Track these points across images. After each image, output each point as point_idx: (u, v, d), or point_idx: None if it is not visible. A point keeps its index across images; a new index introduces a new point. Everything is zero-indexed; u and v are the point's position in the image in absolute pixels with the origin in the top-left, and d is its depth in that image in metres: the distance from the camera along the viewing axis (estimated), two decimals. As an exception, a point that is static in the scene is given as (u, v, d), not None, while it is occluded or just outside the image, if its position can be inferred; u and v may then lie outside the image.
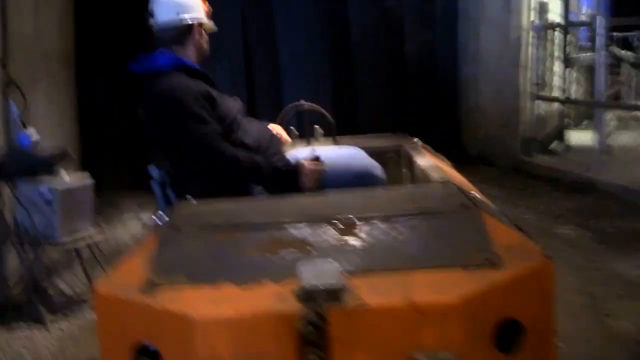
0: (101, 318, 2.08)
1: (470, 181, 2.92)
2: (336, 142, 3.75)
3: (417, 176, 3.35)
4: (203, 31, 3.17)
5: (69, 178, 4.04)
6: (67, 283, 4.82)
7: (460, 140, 9.05)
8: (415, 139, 4.00)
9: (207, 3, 3.21)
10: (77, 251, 4.29)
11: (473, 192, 2.53)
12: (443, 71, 9.09)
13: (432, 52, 9.06)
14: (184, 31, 3.05)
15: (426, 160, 3.40)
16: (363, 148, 3.43)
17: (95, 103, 7.71)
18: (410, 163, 3.62)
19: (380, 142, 4.12)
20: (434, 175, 2.96)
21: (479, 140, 8.79)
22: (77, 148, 7.35)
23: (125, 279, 2.09)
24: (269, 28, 8.45)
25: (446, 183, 2.67)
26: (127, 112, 6.67)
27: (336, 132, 3.76)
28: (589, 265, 4.82)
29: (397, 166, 3.84)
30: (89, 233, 4.16)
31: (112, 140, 7.76)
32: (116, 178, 7.59)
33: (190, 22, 3.07)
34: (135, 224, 6.53)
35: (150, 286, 2.04)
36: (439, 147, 3.89)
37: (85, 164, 7.31)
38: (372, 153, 3.43)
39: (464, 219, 2.16)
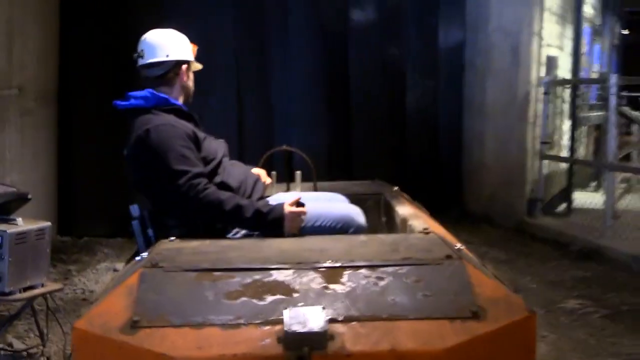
0: (80, 356, 2.26)
1: (471, 242, 3.13)
2: (316, 187, 4.02)
3: (397, 224, 3.60)
4: (190, 71, 3.41)
5: (22, 222, 3.95)
6: (19, 336, 4.70)
7: (462, 197, 9.12)
8: (395, 188, 4.28)
9: (194, 43, 3.46)
10: (30, 302, 4.19)
11: (456, 243, 2.75)
12: (446, 124, 9.17)
13: (435, 102, 9.13)
14: (170, 71, 3.30)
15: (406, 209, 3.66)
16: (343, 194, 3.69)
17: (76, 143, 7.87)
18: (390, 210, 3.89)
19: (360, 188, 4.44)
20: (415, 223, 3.19)
21: (481, 198, 8.87)
22: (53, 189, 7.61)
23: (105, 317, 2.28)
24: (263, 69, 8.55)
25: (429, 233, 2.89)
26: (110, 153, 6.74)
27: (316, 177, 4.04)
28: (596, 343, 4.79)
29: (377, 213, 4.10)
30: (43, 283, 4.04)
31: (93, 182, 7.82)
32: (95, 222, 7.72)
33: (177, 63, 3.31)
34: (109, 275, 6.30)
35: (132, 326, 2.23)
36: (438, 203, 4.05)
37: (62, 207, 7.70)
38: (352, 199, 3.71)
39: (448, 270, 2.38)
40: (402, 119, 9.03)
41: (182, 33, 3.43)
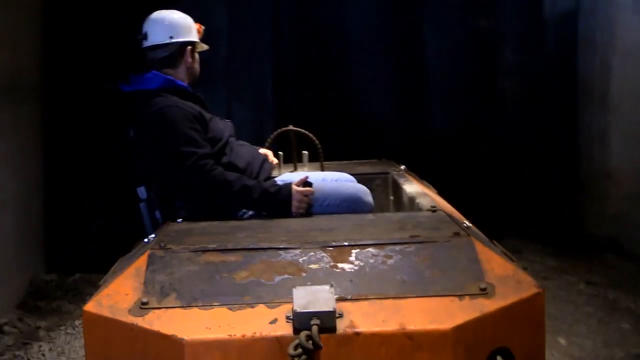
0: (89, 338, 2.26)
1: (593, 282, 2.96)
2: (323, 167, 4.00)
3: (404, 203, 3.59)
4: (195, 52, 3.38)
5: None
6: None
7: (579, 217, 6.76)
8: (402, 166, 4.25)
9: (199, 23, 3.43)
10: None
11: (464, 220, 2.73)
12: (555, 119, 6.96)
13: (539, 91, 6.92)
14: (176, 53, 3.27)
15: (413, 187, 3.64)
16: (350, 174, 3.67)
17: (68, 148, 6.19)
18: (398, 189, 3.87)
19: (367, 168, 4.42)
20: (422, 201, 3.17)
21: (606, 218, 6.48)
22: (37, 210, 5.97)
23: (114, 299, 2.28)
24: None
25: (436, 211, 2.88)
26: (113, 160, 5.22)
27: (323, 157, 4.02)
28: None
29: (384, 192, 4.09)
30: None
31: (91, 200, 6.16)
32: (92, 253, 5.64)
33: (181, 44, 3.28)
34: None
35: (140, 307, 2.23)
36: (547, 223, 3.57)
37: (49, 233, 6.09)
38: (360, 179, 3.71)
39: (457, 247, 2.37)
40: (496, 114, 6.98)
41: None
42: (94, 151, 6.07)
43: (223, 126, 3.30)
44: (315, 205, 3.07)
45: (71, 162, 6.11)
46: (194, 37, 3.36)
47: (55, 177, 6.10)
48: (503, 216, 6.61)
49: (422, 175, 3.82)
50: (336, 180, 3.51)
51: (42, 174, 6.04)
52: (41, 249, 6.06)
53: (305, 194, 3.03)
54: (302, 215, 3.00)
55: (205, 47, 3.46)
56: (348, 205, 3.12)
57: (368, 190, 3.25)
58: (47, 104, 6.06)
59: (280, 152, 3.97)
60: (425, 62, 7.03)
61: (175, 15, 3.34)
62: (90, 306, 2.28)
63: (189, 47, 3.32)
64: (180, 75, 3.32)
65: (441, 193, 3.55)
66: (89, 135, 6.11)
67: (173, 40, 3.27)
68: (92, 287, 4.82)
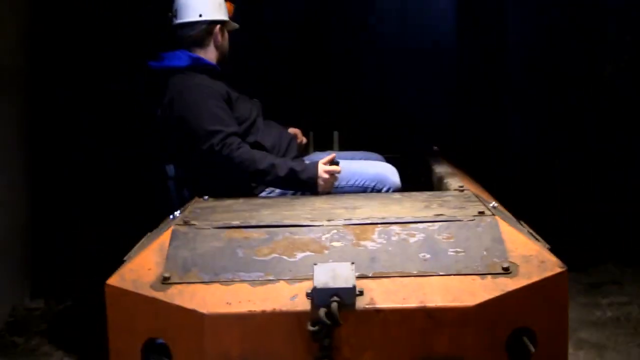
0: (112, 312, 2.28)
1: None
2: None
3: (434, 183, 3.57)
4: (225, 31, 3.37)
5: None
6: None
7: None
8: (435, 147, 4.21)
9: (230, 2, 3.42)
10: None
11: (491, 200, 2.69)
12: None
13: None
14: (205, 32, 3.27)
15: (443, 168, 3.63)
16: (381, 153, 3.65)
17: (60, 149, 5.10)
18: (427, 170, 3.86)
19: (399, 148, 4.36)
20: (451, 181, 3.15)
21: None
22: (22, 223, 4.68)
23: (137, 273, 2.30)
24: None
25: (464, 191, 2.84)
26: (113, 162, 5.06)
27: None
28: None
29: (414, 172, 4.03)
30: None
31: (89, 211, 5.21)
32: (86, 275, 4.10)
33: (210, 23, 3.27)
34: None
35: (162, 281, 2.24)
36: None
37: (37, 251, 4.80)
38: (389, 159, 3.69)
39: (481, 226, 2.34)
40: (599, 110, 5.58)
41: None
42: (87, 155, 5.21)
43: (251, 105, 3.30)
44: (341, 184, 3.06)
45: (63, 165, 5.10)
46: (224, 15, 3.36)
47: (44, 182, 4.91)
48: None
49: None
50: (364, 160, 3.49)
51: (28, 178, 4.75)
52: (27, 268, 4.76)
53: (332, 172, 3.02)
54: (328, 194, 2.99)
55: (235, 25, 3.46)
56: (374, 185, 3.11)
57: (395, 170, 3.23)
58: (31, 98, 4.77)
59: (311, 132, 3.96)
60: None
61: None
62: (114, 280, 2.30)
63: (219, 26, 3.32)
64: (209, 54, 3.32)
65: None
66: (79, 136, 5.19)
67: (202, 19, 3.27)
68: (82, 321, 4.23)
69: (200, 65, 3.21)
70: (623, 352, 3.60)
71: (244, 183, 3.07)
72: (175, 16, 3.30)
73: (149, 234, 2.70)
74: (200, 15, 3.27)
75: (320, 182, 2.99)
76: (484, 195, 2.91)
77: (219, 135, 2.99)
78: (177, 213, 2.71)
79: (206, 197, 2.93)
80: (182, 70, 3.18)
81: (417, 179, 3.95)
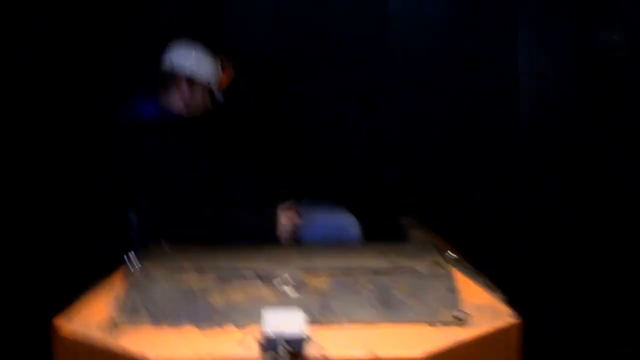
0: (58, 354, 2.23)
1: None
2: None
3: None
4: (197, 88, 3.32)
5: None
6: None
7: None
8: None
9: (229, 73, 3.40)
10: None
11: (448, 250, 2.68)
12: None
13: None
14: (168, 78, 3.27)
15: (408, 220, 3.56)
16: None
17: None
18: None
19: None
20: (414, 233, 3.13)
21: None
22: None
23: (86, 317, 2.26)
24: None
25: (424, 242, 2.83)
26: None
27: None
28: None
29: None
30: None
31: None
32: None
33: (174, 71, 3.26)
34: None
35: (112, 326, 2.20)
36: None
37: None
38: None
39: (435, 276, 2.32)
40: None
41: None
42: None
43: (214, 157, 3.28)
44: (302, 232, 3.05)
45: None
46: (199, 72, 3.31)
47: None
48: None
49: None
50: (327, 210, 3.48)
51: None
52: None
53: (291, 221, 3.01)
54: (287, 242, 2.98)
55: (218, 98, 3.41)
56: (335, 234, 3.10)
57: (356, 221, 3.22)
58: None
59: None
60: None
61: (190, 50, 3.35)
62: (61, 322, 2.26)
63: (185, 79, 3.29)
64: (172, 102, 3.29)
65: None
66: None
67: (169, 65, 3.27)
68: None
69: (164, 116, 3.20)
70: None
71: (202, 237, 3.05)
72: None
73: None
74: (169, 65, 3.28)
75: (281, 229, 2.98)
76: (444, 247, 2.89)
77: (175, 193, 2.99)
78: (132, 256, 2.68)
79: (164, 242, 2.91)
80: (147, 122, 3.17)
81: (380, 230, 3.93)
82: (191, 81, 3.31)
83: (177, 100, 3.28)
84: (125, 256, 2.67)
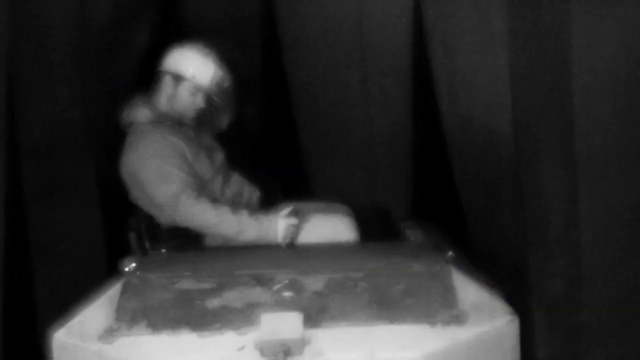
0: (57, 365, 2.23)
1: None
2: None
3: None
4: (185, 86, 3.30)
5: None
6: None
7: None
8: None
9: (225, 77, 3.36)
10: None
11: (447, 249, 2.68)
12: None
13: None
14: (157, 78, 3.25)
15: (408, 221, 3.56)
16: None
17: None
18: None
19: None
20: (411, 232, 3.12)
21: None
22: None
23: (85, 326, 2.26)
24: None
25: (421, 241, 2.83)
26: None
27: None
28: None
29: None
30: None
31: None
32: None
33: (169, 75, 3.25)
34: None
35: (110, 334, 2.20)
36: None
37: None
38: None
39: (433, 276, 2.32)
40: None
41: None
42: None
43: (211, 157, 3.27)
44: (299, 235, 3.04)
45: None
46: (192, 73, 3.29)
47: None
48: None
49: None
50: (325, 211, 3.46)
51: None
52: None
53: (290, 224, 3.00)
54: (286, 244, 2.97)
55: (200, 102, 3.35)
56: (333, 235, 3.08)
57: (353, 221, 3.21)
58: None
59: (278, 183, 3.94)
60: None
61: (186, 50, 3.33)
62: (61, 333, 2.26)
63: (172, 79, 3.27)
64: (162, 102, 3.26)
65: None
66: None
67: (163, 70, 3.26)
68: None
69: (158, 117, 3.20)
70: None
71: (201, 237, 3.05)
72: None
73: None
74: (163, 66, 3.26)
75: (280, 233, 2.98)
76: (441, 244, 2.89)
77: (175, 191, 2.98)
78: (131, 265, 2.68)
79: (163, 250, 2.91)
80: (143, 123, 3.17)
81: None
82: (178, 79, 3.27)
83: (165, 100, 3.26)
84: (122, 263, 2.68)
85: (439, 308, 2.20)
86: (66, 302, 2.43)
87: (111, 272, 2.80)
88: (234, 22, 4.35)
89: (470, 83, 3.16)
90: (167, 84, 3.24)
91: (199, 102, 3.28)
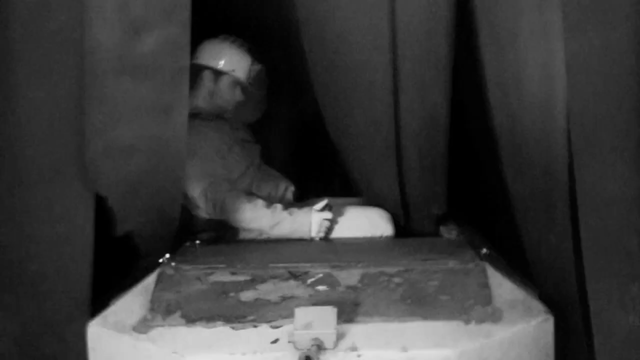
0: (94, 355, 2.25)
1: None
2: None
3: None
4: (225, 81, 3.31)
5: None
6: None
7: None
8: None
9: (259, 69, 3.35)
10: None
11: (483, 246, 2.66)
12: None
13: None
14: (193, 74, 3.24)
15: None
16: None
17: None
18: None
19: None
20: (447, 228, 3.10)
21: None
22: None
23: (120, 316, 2.28)
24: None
25: (457, 237, 2.81)
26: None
27: None
28: None
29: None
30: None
31: None
32: None
33: (202, 67, 3.25)
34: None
35: (144, 324, 2.22)
36: None
37: None
38: None
39: (467, 272, 2.31)
40: None
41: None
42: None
43: (246, 152, 3.27)
44: (334, 229, 3.04)
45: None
46: (224, 63, 3.30)
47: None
48: None
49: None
50: (360, 206, 3.45)
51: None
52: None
53: (325, 218, 3.00)
54: (320, 239, 2.97)
55: (239, 95, 3.36)
56: (367, 230, 3.08)
57: (390, 216, 3.20)
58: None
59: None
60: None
61: (216, 44, 3.33)
62: (96, 322, 2.29)
63: (210, 72, 3.27)
64: (199, 96, 3.26)
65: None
66: None
67: (196, 62, 3.25)
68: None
69: (194, 112, 3.19)
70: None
71: (237, 229, 3.06)
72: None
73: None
74: (196, 58, 3.26)
75: (314, 227, 2.98)
76: (477, 241, 2.87)
77: (208, 184, 3.00)
78: (166, 256, 2.70)
79: (198, 241, 2.92)
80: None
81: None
82: (217, 74, 3.28)
83: (203, 95, 3.27)
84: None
85: (473, 305, 2.19)
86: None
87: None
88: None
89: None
90: (206, 79, 3.25)
91: (239, 95, 3.31)
